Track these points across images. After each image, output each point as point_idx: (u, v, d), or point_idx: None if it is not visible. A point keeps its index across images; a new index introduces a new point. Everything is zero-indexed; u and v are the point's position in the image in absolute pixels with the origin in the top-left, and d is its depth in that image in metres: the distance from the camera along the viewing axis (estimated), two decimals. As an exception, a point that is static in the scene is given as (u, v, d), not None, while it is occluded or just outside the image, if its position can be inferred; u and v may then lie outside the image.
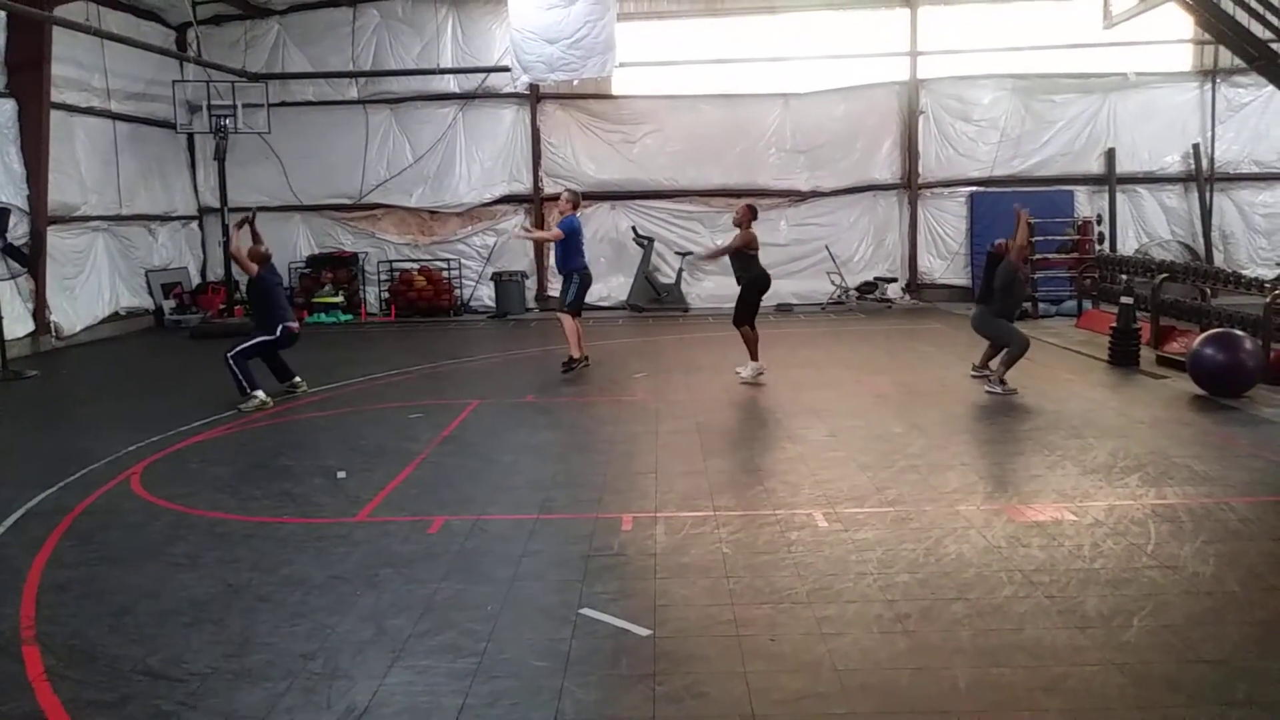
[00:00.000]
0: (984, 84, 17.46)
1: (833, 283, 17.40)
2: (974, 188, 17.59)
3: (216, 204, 17.80)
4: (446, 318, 17.32)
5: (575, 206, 10.93)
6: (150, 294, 16.79)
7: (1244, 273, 12.60)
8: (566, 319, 10.67)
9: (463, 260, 18.08)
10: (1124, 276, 12.92)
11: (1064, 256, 16.15)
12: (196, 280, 18.13)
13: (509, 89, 17.49)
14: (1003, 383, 9.01)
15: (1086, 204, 17.42)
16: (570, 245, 10.73)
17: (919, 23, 17.38)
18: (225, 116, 16.03)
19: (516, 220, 18.03)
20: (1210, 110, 17.17)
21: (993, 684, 3.59)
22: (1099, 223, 16.52)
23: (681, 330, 14.91)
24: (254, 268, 9.42)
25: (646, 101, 17.76)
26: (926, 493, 6.03)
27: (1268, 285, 10.05)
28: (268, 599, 4.57)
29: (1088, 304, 14.47)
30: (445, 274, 17.79)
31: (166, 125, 16.80)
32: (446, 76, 17.70)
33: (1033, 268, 15.97)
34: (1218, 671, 3.64)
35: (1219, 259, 16.85)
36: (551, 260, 17.96)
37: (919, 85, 17.46)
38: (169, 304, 17.01)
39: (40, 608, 4.51)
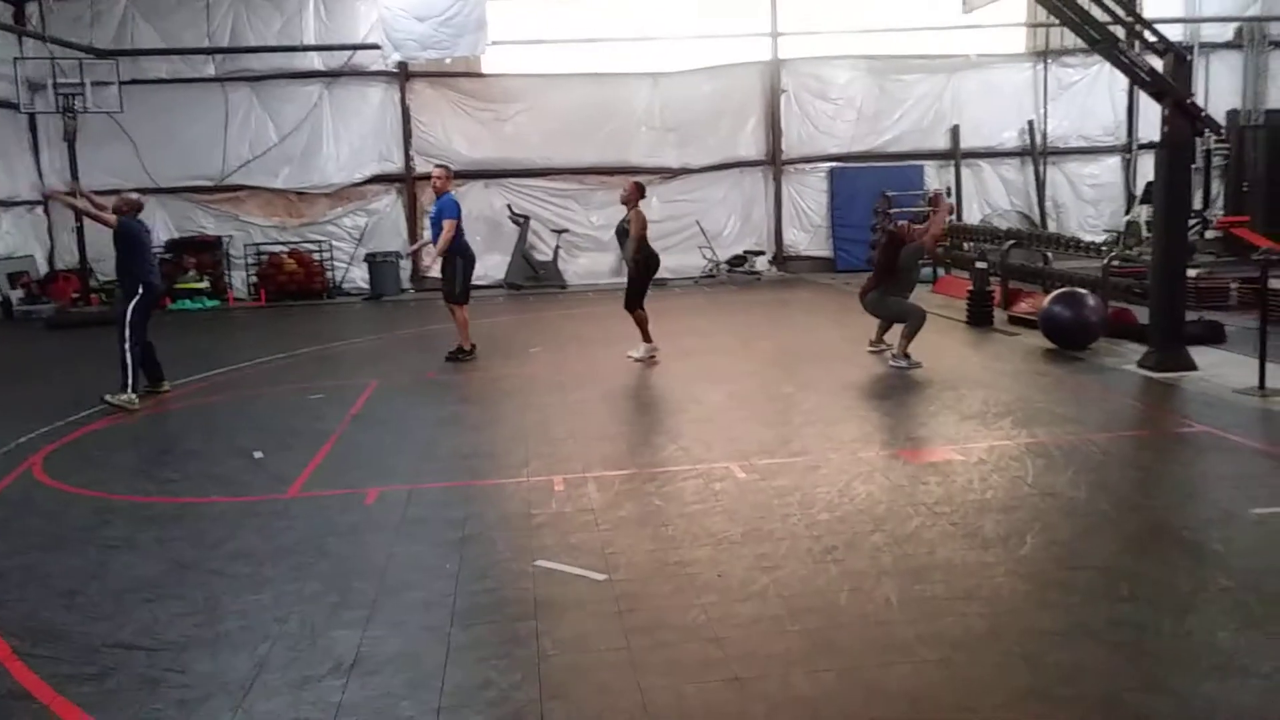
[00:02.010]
0: (840, 64, 18.35)
1: (704, 257, 17.99)
2: (833, 163, 18.50)
3: (62, 188, 16.94)
4: (319, 300, 17.03)
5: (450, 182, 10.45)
6: (-4, 283, 15.84)
7: (1082, 238, 13.74)
8: (460, 310, 10.07)
9: (334, 242, 17.77)
10: (974, 245, 14.00)
11: (920, 226, 17.14)
12: (44, 269, 17.16)
13: (376, 67, 17.28)
14: (906, 356, 8.95)
15: (935, 178, 18.59)
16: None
17: (779, 4, 18.05)
18: (73, 95, 15.19)
19: (389, 200, 17.83)
20: (1043, 89, 18.56)
21: (918, 598, 4.07)
22: (949, 195, 17.64)
23: (563, 306, 15.15)
24: (112, 219, 8.45)
25: (518, 80, 17.85)
26: (828, 443, 6.54)
27: (1104, 249, 11.10)
28: (221, 572, 4.65)
29: (941, 271, 15.49)
30: (316, 256, 17.44)
31: (6, 105, 15.82)
32: (310, 54, 17.31)
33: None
34: (1103, 576, 4.24)
35: (1052, 226, 18.29)
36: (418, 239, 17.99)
37: (780, 65, 18.19)
38: (16, 294, 16.08)
39: (-22, 597, 4.45)
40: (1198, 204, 18.63)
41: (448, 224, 9.76)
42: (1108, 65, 18.33)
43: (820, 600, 4.09)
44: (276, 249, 17.43)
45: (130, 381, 8.38)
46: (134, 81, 16.57)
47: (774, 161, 18.40)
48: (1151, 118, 18.31)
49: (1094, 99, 18.71)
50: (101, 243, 15.62)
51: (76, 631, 4.04)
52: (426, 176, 17.46)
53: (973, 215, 18.41)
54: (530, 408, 7.98)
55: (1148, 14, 18.10)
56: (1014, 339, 10.40)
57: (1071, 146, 18.78)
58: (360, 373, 10.05)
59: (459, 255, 10.01)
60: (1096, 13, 8.02)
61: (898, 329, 9.16)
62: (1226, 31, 18.50)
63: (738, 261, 17.89)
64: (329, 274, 17.52)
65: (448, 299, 10.16)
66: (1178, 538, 4.68)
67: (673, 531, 4.95)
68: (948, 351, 9.85)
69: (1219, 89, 18.58)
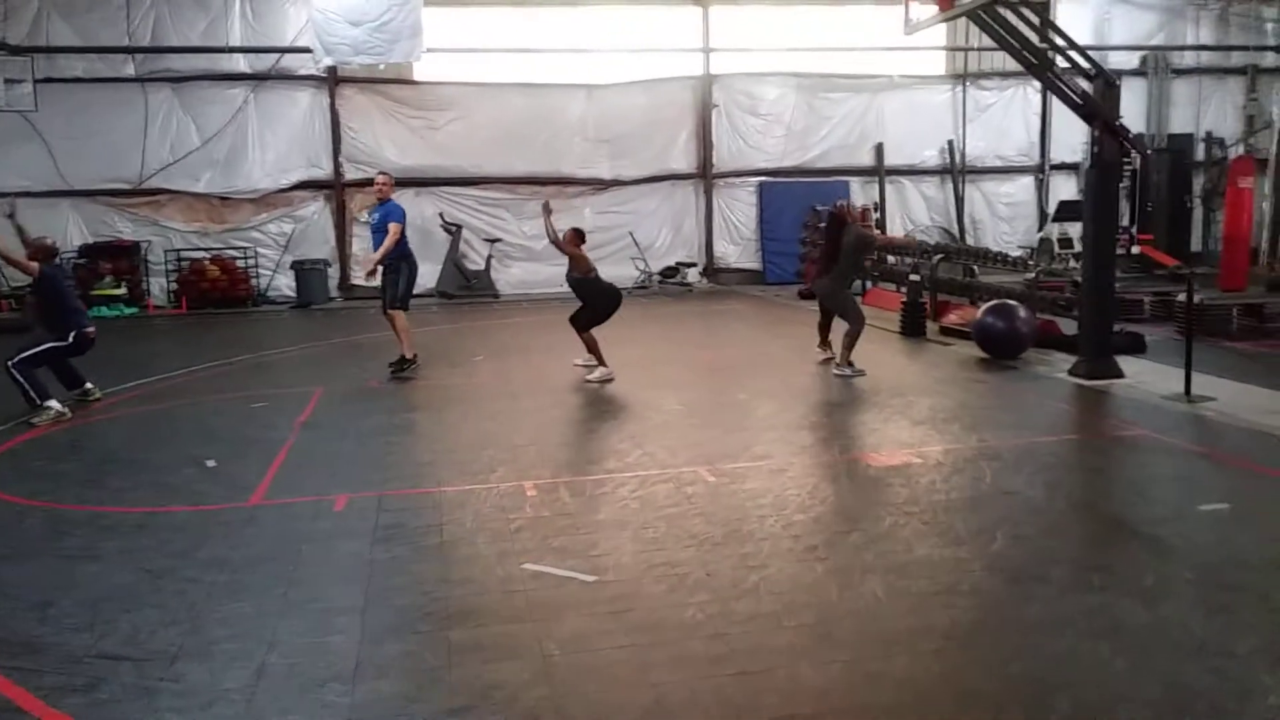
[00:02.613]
0: (770, 81, 18.73)
1: (637, 268, 18.11)
2: (763, 178, 18.84)
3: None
4: (244, 308, 16.61)
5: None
6: (-105, 290, 15.03)
7: (1008, 254, 14.27)
8: (399, 316, 9.73)
9: (259, 248, 17.35)
10: (900, 259, 14.43)
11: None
12: (-59, 274, 16.33)
13: (305, 71, 16.98)
14: (850, 364, 9.01)
15: (860, 193, 19.06)
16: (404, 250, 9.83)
17: (710, 21, 18.35)
18: (-18, 92, 14.58)
19: (317, 206, 17.51)
20: (961, 111, 19.24)
21: (904, 592, 4.21)
22: (875, 210, 18.13)
23: (498, 316, 15.08)
24: (34, 266, 8.13)
25: (450, 88, 17.74)
26: (789, 448, 6.69)
27: (1031, 264, 11.57)
28: (196, 581, 4.53)
29: (869, 283, 15.90)
30: (241, 263, 17.01)
31: (-94, 100, 15.08)
32: (236, 56, 16.92)
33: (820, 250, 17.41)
34: (1074, 569, 4.44)
35: (970, 243, 18.92)
36: (355, 249, 17.74)
37: (712, 80, 18.47)
38: (-82, 300, 15.29)
39: (-57, 609, 4.25)
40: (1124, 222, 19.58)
41: (394, 228, 9.53)
42: (1022, 89, 19.43)
43: (811, 596, 4.19)
44: (198, 255, 16.94)
45: (35, 396, 7.88)
46: (48, 80, 15.99)
47: (705, 175, 18.65)
48: (1063, 140, 19.31)
49: (1009, 121, 19.48)
50: (16, 248, 15.10)
51: (54, 643, 3.90)
52: (356, 184, 17.48)
53: (895, 229, 18.93)
54: (484, 415, 7.95)
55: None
56: (947, 349, 10.75)
57: (988, 166, 19.50)
58: (301, 381, 9.85)
59: (403, 261, 9.80)
60: (1029, 36, 8.38)
61: (836, 339, 9.38)
62: (1133, 60, 19.44)
63: (670, 273, 18.06)
64: (254, 281, 17.09)
65: (388, 306, 9.82)
66: (1136, 533, 4.93)
67: (654, 534, 5.00)
68: (887, 361, 10.13)
69: (1125, 114, 19.40)
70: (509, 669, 3.59)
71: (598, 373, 9.23)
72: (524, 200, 18.05)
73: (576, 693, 3.42)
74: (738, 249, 18.95)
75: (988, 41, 17.80)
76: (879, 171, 18.98)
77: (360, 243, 17.76)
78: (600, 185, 18.33)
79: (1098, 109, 8.32)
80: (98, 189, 16.80)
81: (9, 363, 7.88)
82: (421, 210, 17.64)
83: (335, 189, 17.48)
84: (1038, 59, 8.33)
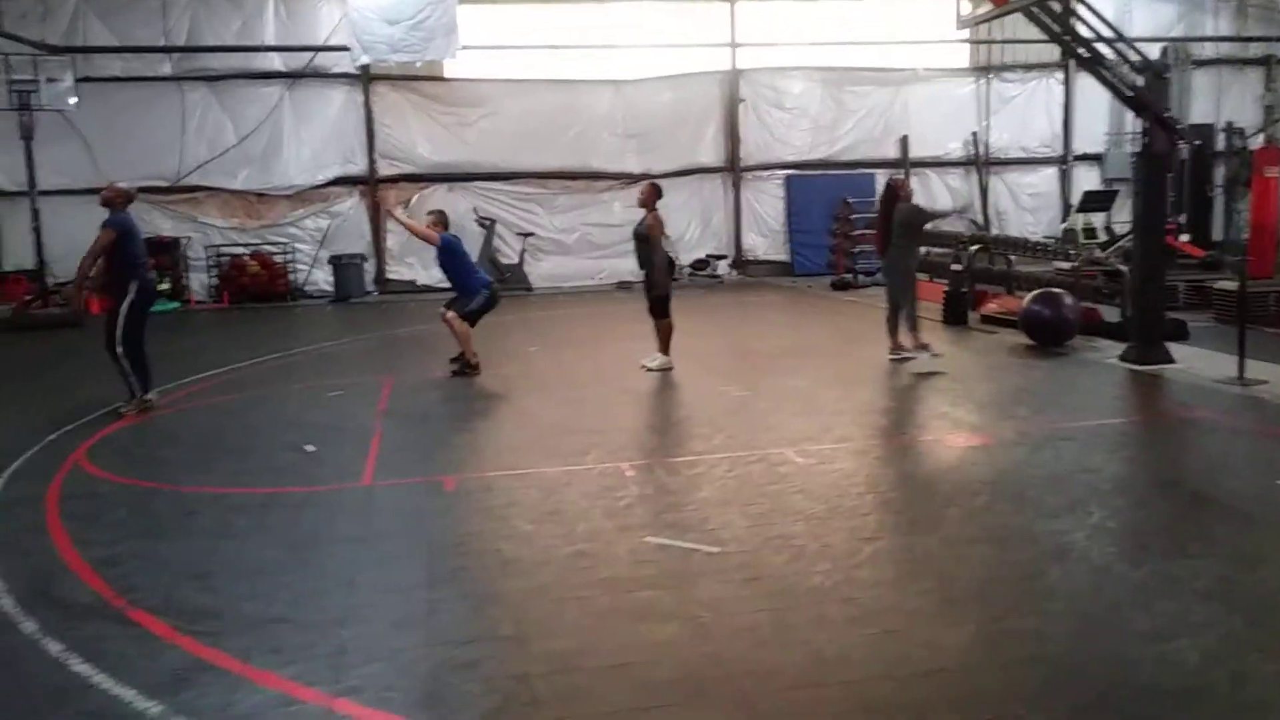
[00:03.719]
0: (795, 75, 18.93)
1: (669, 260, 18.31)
2: (789, 171, 19.06)
3: (11, 187, 16.53)
4: (284, 302, 16.84)
5: (446, 226, 9.82)
6: (-56, 285, 15.27)
7: (1047, 244, 14.50)
8: (463, 324, 9.37)
9: (295, 244, 17.59)
10: (943, 250, 14.68)
11: (874, 232, 17.84)
12: (-10, 270, 16.62)
13: (339, 69, 17.19)
14: (925, 347, 8.96)
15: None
16: (462, 263, 9.76)
17: (737, 16, 18.56)
18: (29, 91, 14.78)
19: (352, 202, 17.77)
20: (984, 103, 19.46)
21: (1015, 560, 4.47)
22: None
23: (537, 309, 15.31)
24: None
25: (482, 85, 17.93)
26: (865, 431, 6.96)
27: (1072, 253, 11.82)
28: (337, 553, 4.78)
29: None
30: (279, 258, 17.25)
31: (-50, 101, 15.30)
32: (271, 54, 17.12)
33: (851, 242, 17.69)
34: (1169, 535, 4.72)
35: (994, 233, 19.17)
36: (390, 243, 18.01)
37: (739, 75, 18.68)
38: (-36, 296, 15.54)
39: (108, 580, 4.49)
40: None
41: (431, 235, 9.56)
42: (1045, 81, 19.66)
43: (927, 565, 4.45)
44: (237, 250, 17.18)
45: (136, 385, 7.92)
46: (87, 79, 16.14)
47: (733, 168, 18.87)
48: (1085, 132, 19.54)
49: (1032, 113, 19.70)
50: (60, 243, 15.37)
51: (226, 610, 4.16)
52: (390, 180, 17.74)
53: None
54: (555, 403, 8.20)
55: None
56: (992, 336, 10.99)
57: (1011, 158, 19.71)
58: (367, 372, 10.10)
59: (485, 287, 9.67)
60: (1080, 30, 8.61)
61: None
62: (1153, 51, 19.59)
63: (700, 265, 18.30)
64: (292, 276, 17.33)
65: (455, 314, 9.40)
66: (1222, 506, 5.20)
67: (760, 510, 5.26)
68: (936, 348, 10.34)
69: (1146, 105, 19.77)
70: (666, 630, 3.84)
71: (657, 360, 9.36)
72: (554, 195, 18.31)
73: (734, 651, 3.67)
74: (766, 241, 19.18)
75: (1011, 34, 18.34)
76: (904, 164, 19.17)
77: (394, 237, 18.03)
78: (629, 179, 18.48)
79: (1148, 100, 8.55)
80: (137, 186, 16.83)
81: (117, 351, 7.82)
82: (455, 206, 17.70)
83: (370, 185, 17.71)
84: (1090, 52, 8.55)
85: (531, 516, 5.27)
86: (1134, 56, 8.72)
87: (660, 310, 9.48)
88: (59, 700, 3.43)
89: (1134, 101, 8.72)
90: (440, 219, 9.84)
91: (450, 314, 9.43)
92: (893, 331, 9.59)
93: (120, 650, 3.78)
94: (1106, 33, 8.70)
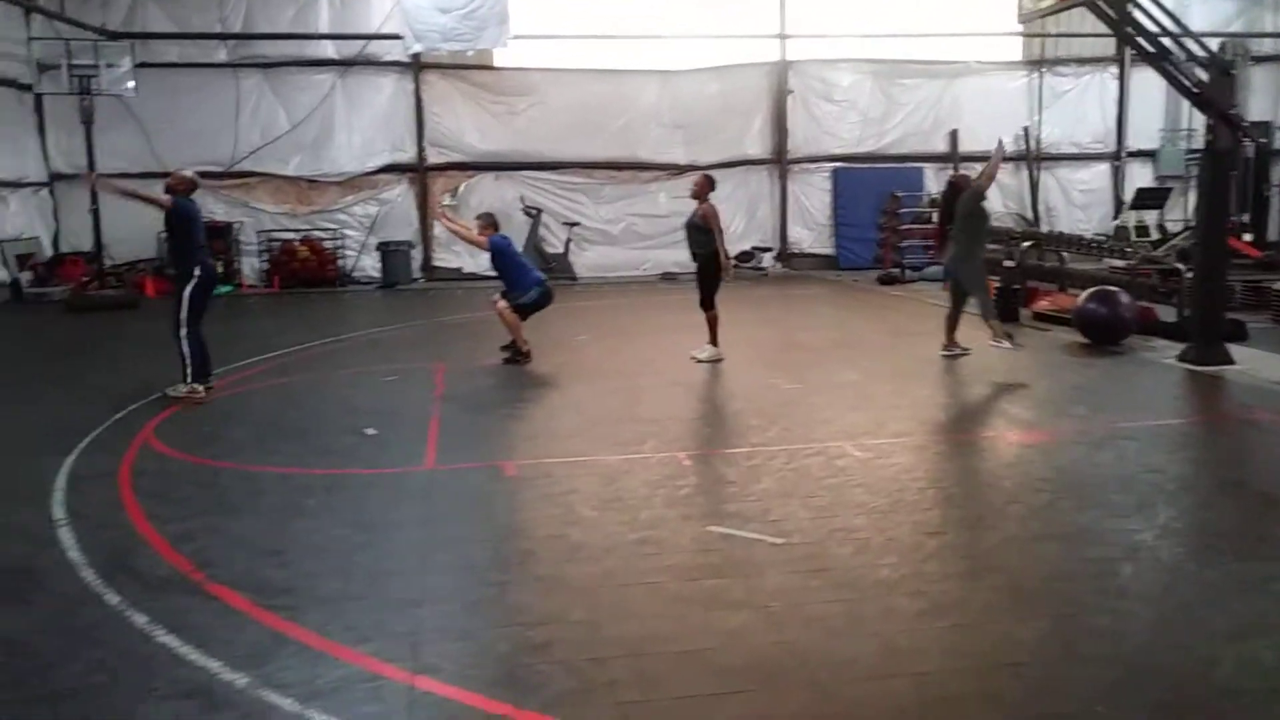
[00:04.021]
0: (844, 67, 18.80)
1: (713, 252, 18.31)
2: (837, 163, 18.94)
3: (69, 170, 16.86)
4: (333, 288, 17.04)
5: (496, 228, 9.86)
6: (5, 265, 15.61)
7: (1102, 241, 14.33)
8: (513, 315, 9.41)
9: (344, 230, 17.79)
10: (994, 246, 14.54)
11: (923, 227, 17.75)
12: (50, 251, 16.95)
13: (390, 57, 17.35)
14: (1008, 336, 8.89)
15: (934, 180, 19.10)
16: (513, 262, 9.79)
17: (787, 7, 18.45)
18: (89, 77, 15.06)
19: (401, 189, 17.94)
20: (1037, 97, 19.21)
21: (1084, 557, 4.45)
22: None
23: (584, 298, 15.34)
24: (166, 200, 7.89)
25: (530, 74, 17.99)
26: (923, 426, 6.93)
27: (1128, 250, 11.66)
28: (406, 534, 4.86)
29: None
30: (328, 244, 17.46)
31: (11, 84, 15.64)
32: (324, 42, 17.30)
33: (899, 236, 17.58)
34: (1238, 536, 4.66)
35: (1047, 230, 18.94)
36: (437, 230, 18.14)
37: (787, 66, 18.58)
38: (25, 276, 15.88)
39: (185, 555, 4.60)
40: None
41: (480, 239, 9.76)
42: (1099, 76, 19.37)
43: (994, 560, 4.45)
44: (287, 236, 17.41)
45: (190, 372, 7.96)
46: (144, 65, 16.40)
47: (780, 160, 18.80)
48: (1139, 128, 19.24)
49: (1085, 108, 19.41)
50: (118, 226, 15.68)
51: (303, 587, 4.24)
52: (439, 168, 17.87)
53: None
54: (608, 392, 8.24)
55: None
56: (1045, 334, 10.88)
57: (1063, 153, 19.45)
58: (418, 358, 10.22)
59: (537, 285, 9.67)
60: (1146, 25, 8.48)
61: (966, 330, 9.36)
62: (1211, 47, 19.25)
63: (745, 257, 18.23)
64: (341, 262, 17.53)
65: (507, 304, 9.46)
66: (1291, 508, 5.14)
67: (822, 502, 5.27)
68: (990, 345, 10.27)
69: (1202, 101, 19.43)
70: (737, 618, 3.88)
71: (707, 352, 9.34)
72: (601, 185, 18.36)
73: (807, 640, 3.70)
74: (811, 234, 19.09)
75: (1066, 27, 18.09)
76: (953, 158, 18.99)
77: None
78: (675, 170, 18.52)
79: (1213, 97, 8.41)
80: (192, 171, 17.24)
81: (180, 333, 7.88)
82: (502, 194, 17.96)
83: (419, 173, 17.85)
84: (1155, 47, 8.43)
85: (594, 503, 5.32)
86: (1199, 52, 8.57)
87: (706, 300, 9.44)
88: (149, 670, 3.53)
89: (1198, 98, 8.59)
90: (490, 222, 9.88)
91: (502, 303, 9.48)
92: (950, 329, 9.45)
93: (203, 623, 3.88)
94: (1170, 26, 8.56)
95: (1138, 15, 8.35)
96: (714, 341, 9.41)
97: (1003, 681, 3.37)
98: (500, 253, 9.71)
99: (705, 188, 9.72)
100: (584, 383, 8.70)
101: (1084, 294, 10.40)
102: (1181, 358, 8.96)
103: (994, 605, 3.96)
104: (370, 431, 6.95)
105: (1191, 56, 8.67)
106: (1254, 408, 7.32)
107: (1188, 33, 8.71)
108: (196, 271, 8.10)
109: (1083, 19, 16.92)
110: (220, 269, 16.37)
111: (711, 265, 9.45)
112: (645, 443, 6.56)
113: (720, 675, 3.44)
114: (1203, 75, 8.61)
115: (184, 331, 7.95)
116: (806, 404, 7.69)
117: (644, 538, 4.79)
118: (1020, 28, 18.99)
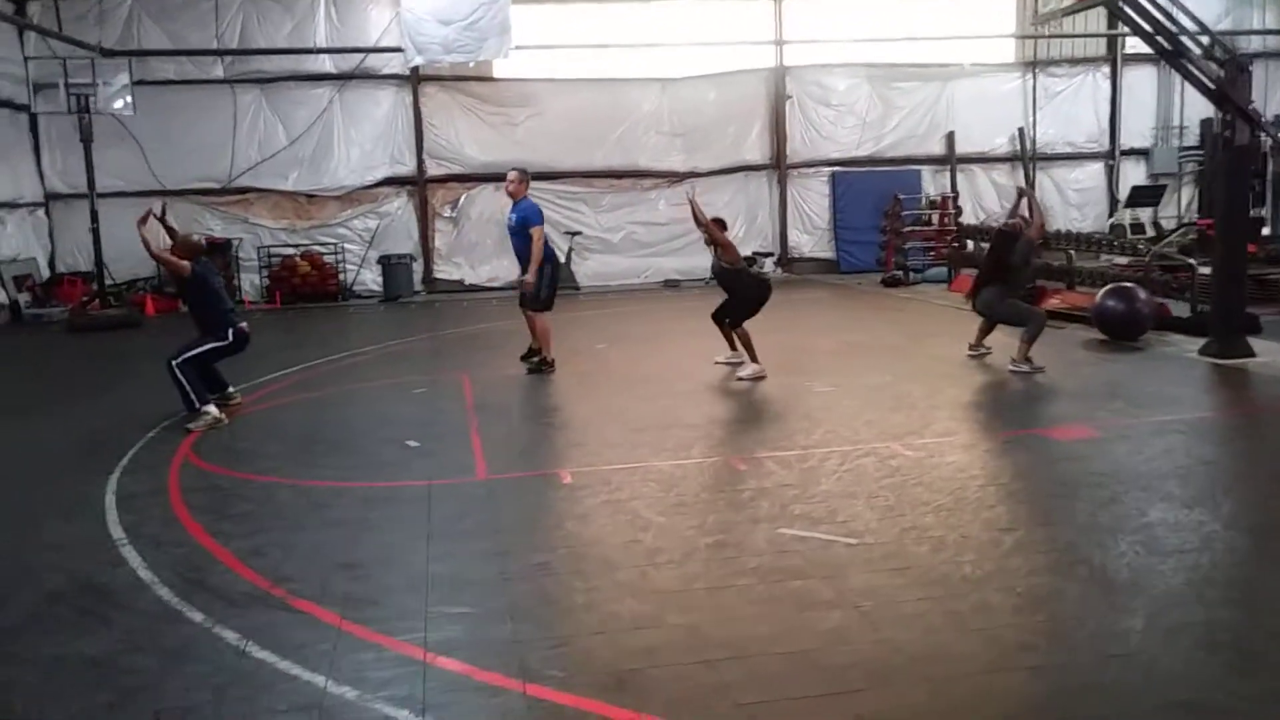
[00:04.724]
0: (840, 72, 18.95)
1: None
2: (835, 168, 19.06)
3: (65, 190, 16.76)
4: (334, 303, 16.99)
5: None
6: (3, 287, 15.44)
7: (1114, 238, 14.47)
8: (541, 318, 9.40)
9: (344, 244, 17.72)
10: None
11: (924, 229, 17.89)
12: (46, 272, 16.80)
13: (388, 70, 17.35)
14: (1029, 360, 8.61)
15: (930, 182, 19.28)
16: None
17: (784, 13, 18.57)
18: (86, 95, 14.95)
19: (400, 202, 17.91)
20: (1031, 98, 19.40)
21: (1162, 549, 4.46)
22: (955, 198, 18.34)
23: (591, 307, 15.37)
24: (185, 266, 7.80)
25: (529, 84, 18.03)
26: (967, 425, 6.98)
27: (1141, 248, 11.77)
28: (477, 544, 4.84)
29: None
30: (329, 259, 17.38)
31: (6, 105, 15.53)
32: (321, 57, 17.26)
33: (902, 239, 17.67)
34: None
35: (1057, 229, 19.09)
36: (438, 243, 18.12)
37: (785, 72, 18.69)
38: (23, 297, 15.72)
39: (259, 571, 4.55)
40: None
41: (536, 232, 9.13)
42: (1091, 76, 19.58)
43: (1074, 555, 4.45)
44: (287, 251, 17.33)
45: (195, 399, 7.63)
46: (141, 82, 16.29)
47: (778, 166, 18.89)
48: (1132, 127, 19.46)
49: (1078, 108, 19.63)
50: (114, 244, 15.53)
51: (387, 599, 4.21)
52: (439, 180, 17.85)
53: (968, 218, 19.11)
54: (643, 398, 8.23)
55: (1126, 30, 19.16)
56: (1061, 331, 10.94)
57: (1058, 153, 19.66)
58: (441, 369, 10.19)
59: (546, 262, 9.38)
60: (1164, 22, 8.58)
61: (1001, 333, 9.26)
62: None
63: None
64: (342, 276, 17.46)
65: (531, 308, 9.36)
66: (1351, 496, 5.19)
67: (886, 502, 5.28)
68: (1011, 343, 10.30)
69: (1192, 98, 19.67)
70: (832, 618, 3.88)
71: (750, 370, 8.89)
72: (601, 194, 18.41)
73: (908, 638, 3.70)
74: (812, 239, 19.19)
75: (1057, 27, 18.26)
76: (950, 160, 19.16)
77: (443, 237, 18.17)
78: (675, 178, 18.58)
79: (1230, 94, 8.52)
80: (189, 188, 17.18)
81: (173, 361, 7.64)
82: (503, 205, 17.81)
83: (418, 185, 17.83)
84: (1172, 45, 8.53)
85: (658, 508, 5.31)
86: (1216, 50, 8.69)
87: (735, 321, 9.10)
88: (254, 686, 3.49)
89: (1216, 94, 8.69)
90: (525, 176, 9.67)
91: (529, 312, 9.40)
92: (982, 335, 9.41)
93: (297, 639, 3.84)
94: (1189, 25, 8.67)
95: (1156, 14, 8.45)
96: (754, 358, 8.94)
97: (1115, 672, 3.38)
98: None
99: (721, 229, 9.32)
100: (615, 391, 8.68)
101: (1101, 291, 10.49)
102: (1204, 351, 9.06)
103: (1087, 598, 3.98)
104: (413, 444, 6.91)
105: (1209, 54, 8.78)
106: (1287, 399, 7.42)
107: (1205, 30, 8.82)
108: (230, 334, 7.94)
109: (1074, 18, 17.16)
110: (223, 286, 16.41)
111: (750, 291, 9.12)
112: (693, 447, 6.56)
113: (830, 675, 3.44)
114: (1219, 72, 8.71)
115: (177, 360, 7.62)
116: (843, 406, 7.70)
117: (718, 541, 4.78)
118: (1013, 29, 19.23)
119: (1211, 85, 8.66)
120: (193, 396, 7.65)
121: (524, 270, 9.37)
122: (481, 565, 4.58)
